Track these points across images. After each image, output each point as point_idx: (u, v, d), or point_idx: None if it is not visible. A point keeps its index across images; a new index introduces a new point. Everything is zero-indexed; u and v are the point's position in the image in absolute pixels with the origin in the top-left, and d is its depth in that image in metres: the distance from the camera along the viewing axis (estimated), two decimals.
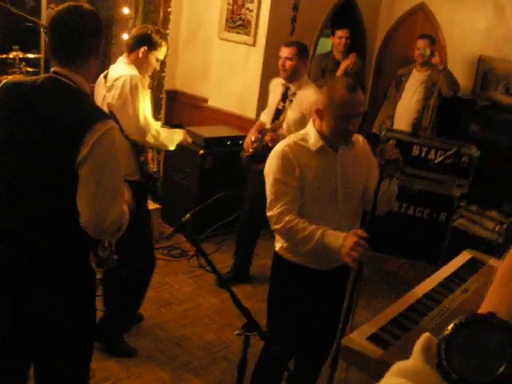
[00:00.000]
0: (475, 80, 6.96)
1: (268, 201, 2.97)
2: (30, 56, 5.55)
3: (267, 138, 4.80)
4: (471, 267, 3.34)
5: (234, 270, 5.33)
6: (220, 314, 4.80)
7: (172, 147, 4.15)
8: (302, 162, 2.93)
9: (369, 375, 2.33)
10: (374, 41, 7.74)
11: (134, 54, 3.92)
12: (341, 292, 3.35)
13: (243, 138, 5.28)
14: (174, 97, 7.28)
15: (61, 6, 2.44)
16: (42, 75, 2.48)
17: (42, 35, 5.65)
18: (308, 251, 2.88)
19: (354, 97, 2.89)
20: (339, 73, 6.23)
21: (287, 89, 4.92)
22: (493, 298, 0.56)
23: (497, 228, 5.71)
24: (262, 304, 4.72)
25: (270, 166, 2.97)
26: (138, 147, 3.94)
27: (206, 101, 6.84)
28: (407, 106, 6.18)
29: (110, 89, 3.85)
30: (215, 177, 5.87)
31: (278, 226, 2.92)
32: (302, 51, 4.85)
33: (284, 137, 3.71)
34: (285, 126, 4.84)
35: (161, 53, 4.02)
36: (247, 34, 6.31)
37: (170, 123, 6.50)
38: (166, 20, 7.02)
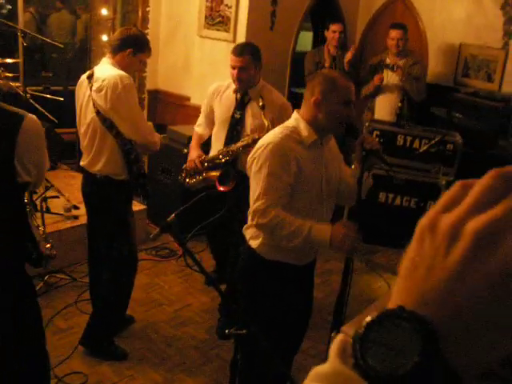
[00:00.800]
0: (456, 68, 6.98)
1: (254, 194, 2.90)
2: (9, 61, 5.51)
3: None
4: None
5: (218, 269, 5.26)
6: (211, 312, 4.79)
7: (158, 147, 4.11)
8: (297, 155, 2.91)
9: None
10: (354, 32, 7.74)
11: (119, 56, 3.89)
12: (311, 285, 3.42)
13: None
14: (156, 96, 7.25)
15: None
16: None
17: (20, 40, 5.60)
18: (294, 247, 2.87)
19: (352, 84, 3.00)
20: (346, 66, 6.23)
21: (244, 96, 4.39)
22: (399, 292, 0.57)
23: None
24: None
25: (263, 160, 2.88)
26: (128, 146, 3.90)
27: (188, 99, 6.81)
28: (386, 98, 6.19)
29: (99, 90, 3.81)
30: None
31: (263, 221, 2.86)
32: (255, 55, 4.34)
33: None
34: (247, 130, 4.37)
35: (146, 55, 4.04)
36: (227, 30, 6.29)
37: (153, 123, 6.50)
38: (145, 19, 7.01)
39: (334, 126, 2.98)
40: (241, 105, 4.36)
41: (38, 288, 4.61)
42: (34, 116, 2.43)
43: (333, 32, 6.37)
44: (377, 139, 3.34)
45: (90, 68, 4.06)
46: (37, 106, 5.52)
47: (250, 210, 2.93)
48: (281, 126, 3.05)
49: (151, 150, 4.17)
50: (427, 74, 6.90)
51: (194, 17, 6.61)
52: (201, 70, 6.63)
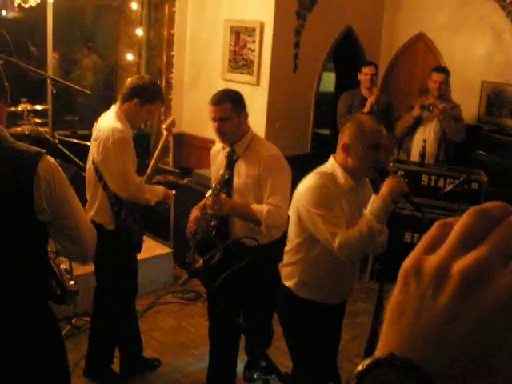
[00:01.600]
0: (479, 105, 6.99)
1: (322, 235, 2.95)
2: (38, 107, 5.63)
3: (208, 202, 3.58)
4: None
5: None
6: (239, 354, 4.76)
7: (152, 202, 4.05)
8: (336, 198, 2.98)
9: None
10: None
11: (126, 105, 3.88)
12: (341, 325, 3.52)
13: None
14: (182, 139, 7.33)
15: None
16: None
17: (49, 86, 5.73)
18: (376, 245, 2.96)
19: (381, 128, 3.04)
20: (366, 109, 6.26)
21: (231, 153, 3.74)
22: (388, 338, 0.55)
23: None
24: (279, 343, 4.70)
25: (306, 201, 2.96)
26: (112, 199, 3.91)
27: (213, 142, 6.87)
28: (424, 139, 6.15)
29: (95, 140, 3.87)
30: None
31: (344, 252, 2.89)
32: (236, 102, 3.70)
33: (227, 203, 3.49)
34: (235, 196, 3.73)
35: (155, 106, 4.00)
36: (250, 73, 6.38)
37: (179, 167, 6.57)
38: (170, 64, 7.13)
39: (365, 171, 3.01)
40: (230, 163, 3.74)
41: (65, 331, 4.64)
42: (50, 157, 2.41)
43: (365, 74, 6.41)
44: (404, 180, 3.31)
45: None
46: (65, 150, 5.62)
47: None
48: (316, 171, 3.08)
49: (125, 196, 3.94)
50: None
51: (218, 60, 6.72)
52: None
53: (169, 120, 4.31)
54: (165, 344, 4.65)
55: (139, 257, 4.32)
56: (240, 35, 6.43)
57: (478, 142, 6.57)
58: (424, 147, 6.06)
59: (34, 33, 7.99)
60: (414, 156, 6.20)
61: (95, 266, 4.18)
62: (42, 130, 5.56)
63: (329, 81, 8.60)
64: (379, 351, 0.55)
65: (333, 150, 3.17)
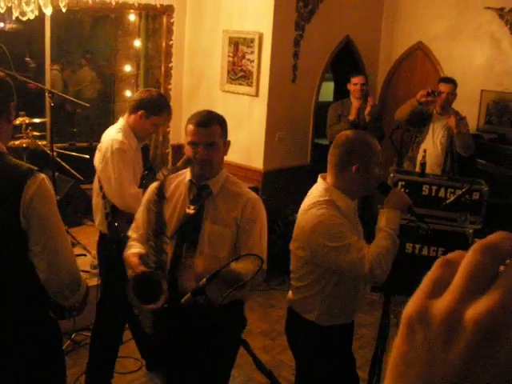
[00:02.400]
0: (479, 115, 6.97)
1: (350, 262, 2.83)
2: (37, 121, 5.60)
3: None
4: None
5: None
6: (240, 369, 4.71)
7: None
8: (345, 222, 2.91)
9: None
10: (375, 82, 7.78)
11: (133, 117, 3.96)
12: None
13: (252, 189, 5.20)
14: (180, 151, 7.30)
15: None
16: None
17: (47, 99, 5.70)
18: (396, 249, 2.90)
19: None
20: (352, 117, 6.25)
21: (203, 188, 3.05)
22: None
23: None
24: (282, 356, 4.68)
25: (321, 237, 2.84)
26: (107, 209, 3.95)
27: None
28: (431, 150, 6.12)
29: (98, 150, 3.97)
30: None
31: (369, 270, 2.79)
32: (224, 127, 3.11)
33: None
34: (204, 239, 2.99)
35: (160, 118, 4.06)
36: (249, 84, 6.36)
37: None
38: (168, 75, 7.11)
39: (371, 188, 3.01)
40: (198, 199, 3.05)
41: (65, 346, 4.59)
42: (43, 175, 2.43)
43: (354, 84, 6.41)
44: (405, 193, 3.26)
45: (113, 124, 4.17)
46: (63, 163, 5.60)
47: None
48: (313, 202, 2.94)
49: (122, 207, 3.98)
50: None
51: (217, 72, 6.70)
52: None
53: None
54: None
55: None
56: (239, 46, 6.41)
57: (478, 152, 6.55)
58: (424, 156, 6.04)
59: (31, 45, 7.97)
60: (419, 168, 6.16)
61: (103, 277, 4.25)
62: (40, 142, 5.52)
63: (328, 90, 8.59)
64: None
65: None
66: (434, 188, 5.85)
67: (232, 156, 6.59)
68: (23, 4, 4.50)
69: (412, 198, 5.74)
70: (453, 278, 0.51)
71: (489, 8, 6.68)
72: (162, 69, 7.11)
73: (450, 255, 0.53)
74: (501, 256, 0.50)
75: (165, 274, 2.90)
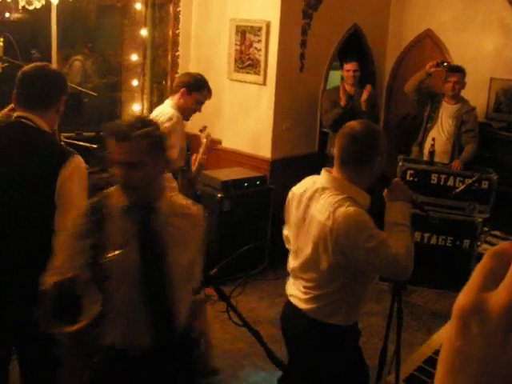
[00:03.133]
0: (488, 102, 6.92)
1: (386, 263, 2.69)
2: None
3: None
4: None
5: None
6: (249, 358, 4.72)
7: None
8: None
9: None
10: (383, 70, 7.74)
11: (176, 96, 4.40)
12: None
13: (260, 178, 5.23)
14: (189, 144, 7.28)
15: (32, 64, 2.96)
16: (5, 119, 3.00)
17: None
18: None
19: None
20: (343, 102, 6.23)
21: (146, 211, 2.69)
22: None
23: None
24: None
25: (358, 231, 2.64)
26: None
27: (220, 142, 6.83)
28: (437, 138, 6.08)
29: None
30: (234, 219, 5.83)
31: (405, 264, 2.71)
32: (156, 139, 2.46)
33: None
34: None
35: (201, 95, 4.48)
36: (257, 73, 6.32)
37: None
38: (175, 64, 7.08)
39: (375, 181, 2.92)
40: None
41: None
42: (81, 159, 2.80)
43: (347, 71, 6.39)
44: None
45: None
46: None
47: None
48: (332, 202, 2.70)
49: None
50: None
51: (224, 60, 6.67)
52: (231, 113, 6.67)
53: (206, 131, 4.96)
54: None
55: None
56: (246, 34, 6.37)
57: (487, 140, 6.51)
58: (433, 145, 6.01)
59: (37, 35, 7.93)
60: (427, 155, 6.13)
61: None
62: None
63: (336, 79, 8.54)
64: None
65: None
66: (443, 177, 5.84)
67: (239, 144, 6.60)
68: None
69: (421, 187, 5.75)
70: (505, 269, 0.49)
71: None
72: (169, 58, 7.08)
73: (498, 246, 0.51)
74: None
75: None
